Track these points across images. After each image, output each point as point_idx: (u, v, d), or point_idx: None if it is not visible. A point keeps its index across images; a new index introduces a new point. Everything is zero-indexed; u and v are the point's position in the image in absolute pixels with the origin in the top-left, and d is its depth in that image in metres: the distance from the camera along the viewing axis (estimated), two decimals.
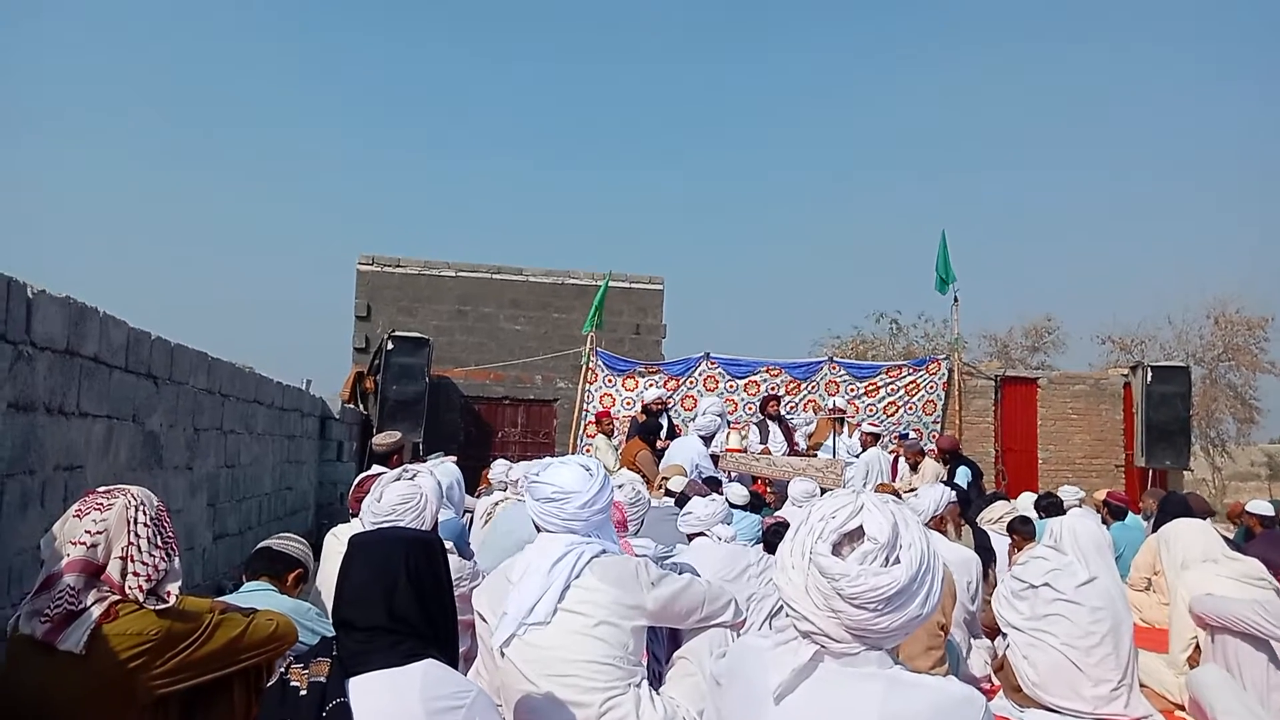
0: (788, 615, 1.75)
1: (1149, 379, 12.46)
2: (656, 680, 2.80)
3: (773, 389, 11.63)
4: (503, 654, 2.53)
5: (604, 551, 2.66)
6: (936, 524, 4.97)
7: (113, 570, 2.26)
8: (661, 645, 3.00)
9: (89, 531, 2.26)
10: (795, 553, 1.73)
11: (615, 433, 10.88)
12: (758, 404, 11.28)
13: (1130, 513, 8.25)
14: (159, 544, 2.34)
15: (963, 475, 9.43)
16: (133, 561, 2.27)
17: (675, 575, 2.79)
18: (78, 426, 4.33)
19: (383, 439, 7.26)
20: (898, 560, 1.66)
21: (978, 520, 6.73)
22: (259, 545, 3.36)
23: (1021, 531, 6.02)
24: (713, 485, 7.36)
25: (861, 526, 1.69)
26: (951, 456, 9.82)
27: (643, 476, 7.83)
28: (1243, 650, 4.05)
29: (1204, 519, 6.10)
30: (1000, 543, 6.20)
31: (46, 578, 2.24)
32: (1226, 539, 5.97)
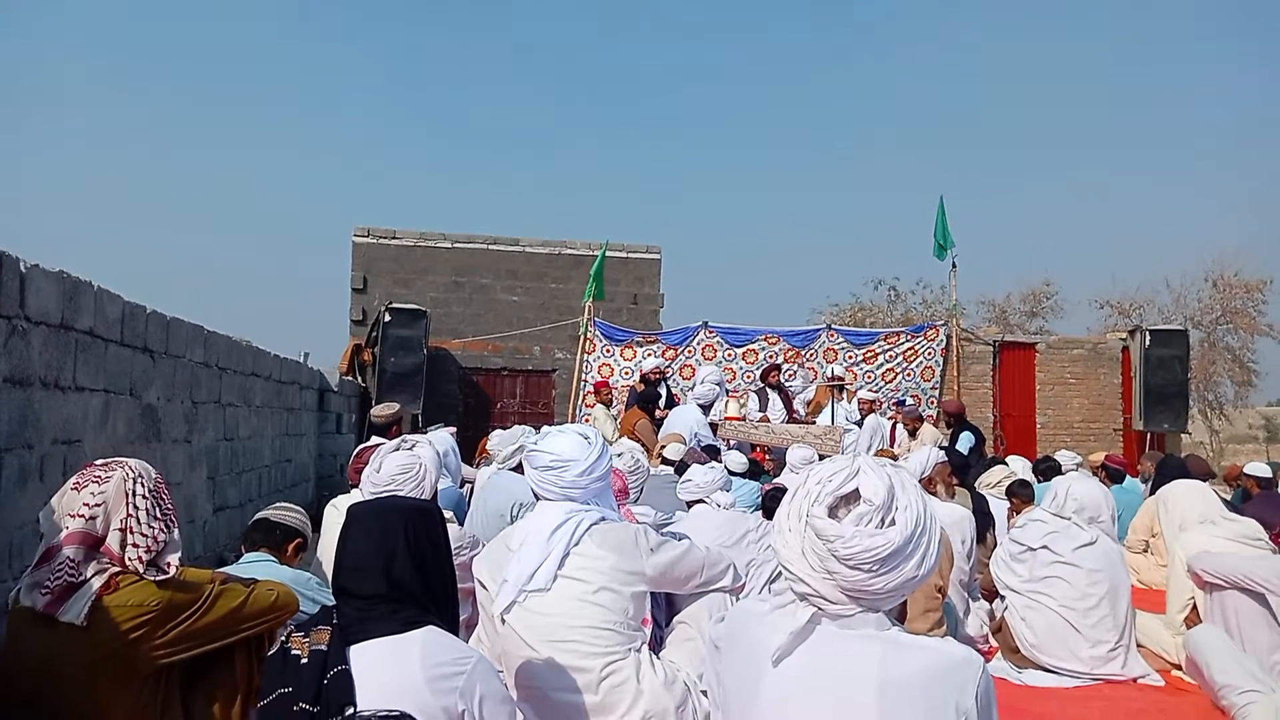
0: (785, 578, 1.76)
1: (1147, 343, 12.44)
2: (657, 645, 2.82)
3: (771, 357, 11.62)
4: (504, 621, 2.54)
5: (603, 519, 2.67)
6: (926, 484, 4.98)
7: (112, 542, 2.26)
8: (661, 610, 3.02)
9: (87, 504, 2.25)
10: (792, 515, 1.75)
11: (614, 402, 10.90)
12: (756, 372, 11.29)
13: (1128, 475, 8.28)
14: (158, 515, 2.34)
15: (965, 440, 9.45)
16: (132, 533, 2.27)
17: (674, 541, 2.80)
18: (75, 400, 4.32)
19: (381, 410, 7.27)
20: (893, 522, 1.67)
21: (976, 485, 6.75)
22: (256, 516, 3.37)
23: (1020, 495, 6.04)
24: (712, 453, 7.38)
25: (857, 489, 1.70)
26: (956, 420, 9.83)
27: (642, 445, 7.85)
28: (1242, 610, 4.06)
29: (1204, 481, 6.12)
30: (999, 507, 6.22)
31: (46, 550, 2.24)
32: (1224, 500, 5.99)
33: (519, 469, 4.86)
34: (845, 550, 1.64)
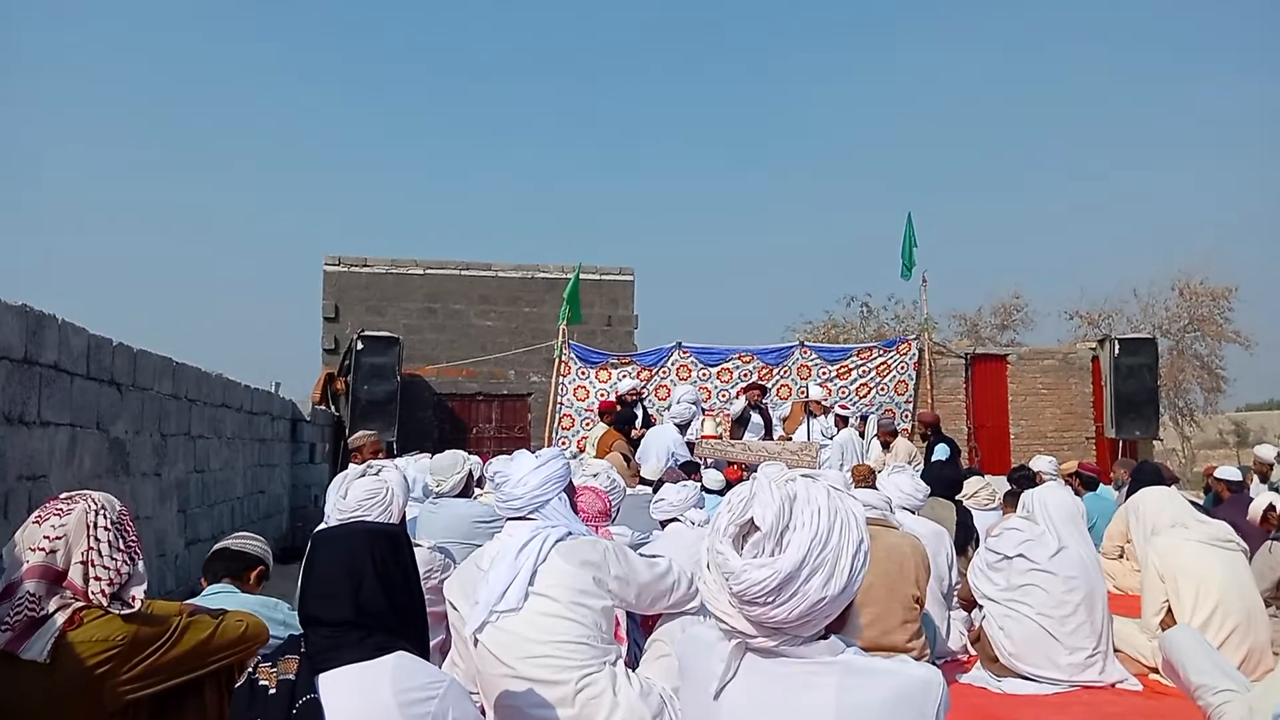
0: (713, 620, 1.68)
1: (1116, 351, 12.58)
2: (633, 665, 2.80)
3: (745, 375, 11.65)
4: (477, 641, 2.52)
5: (569, 534, 2.66)
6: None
7: (74, 575, 2.22)
8: (638, 630, 3.00)
9: (48, 537, 2.21)
10: (709, 551, 1.67)
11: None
12: (732, 391, 11.31)
13: (1101, 483, 8.34)
14: (121, 547, 2.30)
15: (941, 452, 9.48)
16: (94, 566, 2.23)
17: (647, 560, 2.79)
18: (39, 436, 4.26)
19: (358, 439, 7.21)
20: (785, 545, 1.57)
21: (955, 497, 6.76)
22: (216, 547, 3.30)
23: (1013, 505, 6.04)
24: (691, 470, 7.37)
25: (751, 516, 1.61)
26: (933, 432, 9.86)
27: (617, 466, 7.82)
28: None
29: (1169, 486, 6.17)
30: (980, 519, 6.23)
31: (6, 586, 2.19)
32: (1195, 504, 6.04)
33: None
34: (737, 586, 1.55)
